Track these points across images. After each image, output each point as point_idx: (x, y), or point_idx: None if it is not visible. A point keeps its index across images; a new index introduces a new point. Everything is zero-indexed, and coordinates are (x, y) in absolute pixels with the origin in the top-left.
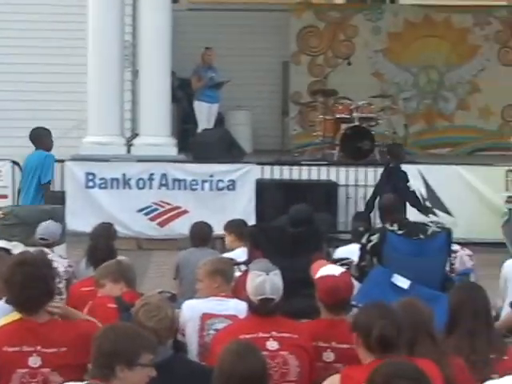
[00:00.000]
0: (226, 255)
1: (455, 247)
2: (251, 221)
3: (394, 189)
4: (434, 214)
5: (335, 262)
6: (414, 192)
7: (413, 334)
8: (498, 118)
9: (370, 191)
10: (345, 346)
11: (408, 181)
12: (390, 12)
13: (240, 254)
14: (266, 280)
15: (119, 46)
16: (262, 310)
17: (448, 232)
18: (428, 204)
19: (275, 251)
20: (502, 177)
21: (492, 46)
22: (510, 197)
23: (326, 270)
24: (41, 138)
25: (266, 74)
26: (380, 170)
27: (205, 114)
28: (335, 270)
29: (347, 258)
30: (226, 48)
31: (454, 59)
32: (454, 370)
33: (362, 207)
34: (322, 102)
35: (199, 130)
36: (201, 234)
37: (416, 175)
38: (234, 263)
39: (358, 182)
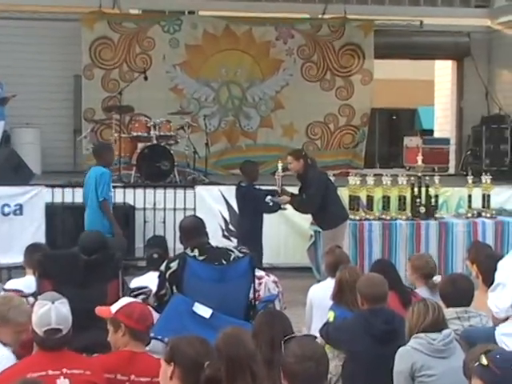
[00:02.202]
0: (12, 284)
1: (260, 273)
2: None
3: (255, 209)
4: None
5: (132, 291)
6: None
7: (232, 369)
8: (302, 136)
9: (170, 214)
10: (144, 379)
11: (266, 196)
12: (189, 23)
13: (29, 283)
14: (51, 309)
15: None
16: (48, 342)
17: (251, 257)
18: (231, 227)
19: (66, 280)
20: None
21: (295, 60)
22: None
23: (125, 300)
24: (100, 152)
25: (56, 88)
26: (180, 192)
27: None
28: (132, 299)
29: (145, 287)
30: (12, 59)
31: (257, 74)
32: None
33: (160, 231)
34: (117, 120)
35: None
36: None
37: (218, 197)
38: (20, 296)
39: (156, 204)
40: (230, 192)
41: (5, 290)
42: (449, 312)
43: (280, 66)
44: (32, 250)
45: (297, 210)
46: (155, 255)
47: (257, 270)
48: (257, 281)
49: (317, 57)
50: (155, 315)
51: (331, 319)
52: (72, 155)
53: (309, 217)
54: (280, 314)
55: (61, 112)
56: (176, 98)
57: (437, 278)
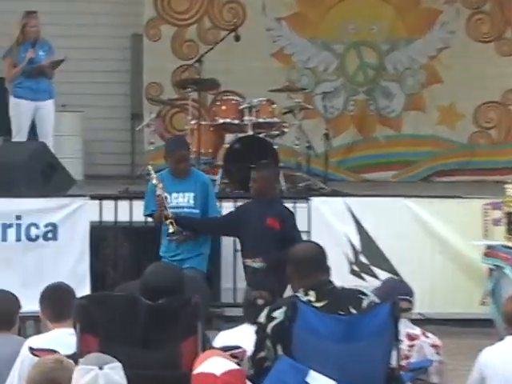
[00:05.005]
0: (36, 342)
1: (414, 331)
2: (83, 287)
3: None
4: (373, 275)
5: None
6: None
7: None
8: (468, 124)
9: None
10: None
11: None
12: None
13: (62, 340)
14: (98, 376)
15: None
16: None
17: (393, 304)
18: (363, 259)
19: (121, 336)
20: (476, 215)
21: (459, 10)
22: (491, 247)
23: (207, 365)
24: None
25: (104, 54)
26: (288, 206)
27: (26, 116)
28: (220, 364)
29: (237, 347)
30: (53, 15)
31: (401, 32)
32: None
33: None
34: (195, 100)
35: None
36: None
37: (343, 214)
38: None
39: None
40: (362, 206)
41: (33, 351)
42: None
43: (436, 20)
44: (60, 292)
45: None
46: (260, 301)
47: (409, 324)
48: (407, 341)
49: (491, 4)
50: None
51: None
52: (129, 152)
53: (479, 244)
54: None
55: (112, 88)
56: (281, 67)
57: None
